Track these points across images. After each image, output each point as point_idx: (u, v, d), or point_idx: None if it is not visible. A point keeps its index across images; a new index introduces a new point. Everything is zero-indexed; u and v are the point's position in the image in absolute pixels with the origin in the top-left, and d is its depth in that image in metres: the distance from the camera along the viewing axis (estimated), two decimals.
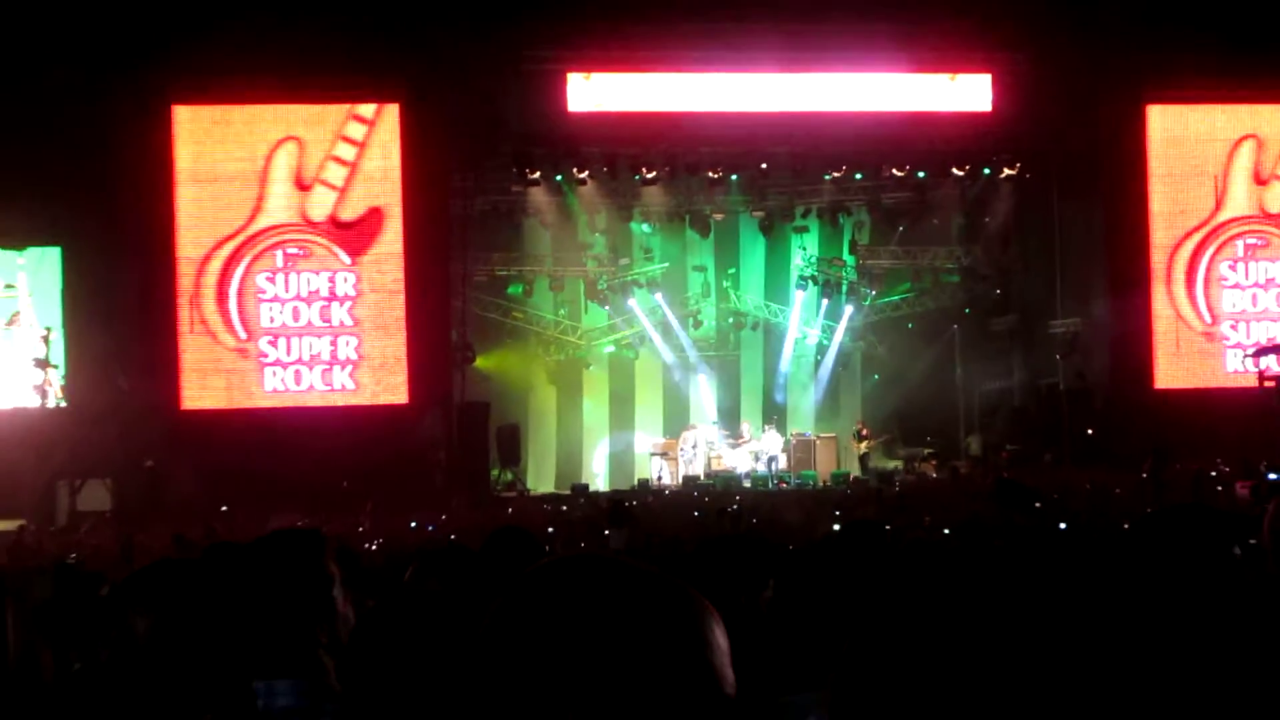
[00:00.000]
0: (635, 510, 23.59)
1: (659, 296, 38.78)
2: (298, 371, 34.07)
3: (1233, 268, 36.33)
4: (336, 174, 34.18)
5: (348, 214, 34.24)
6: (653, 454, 37.32)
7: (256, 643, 4.06)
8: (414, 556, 6.11)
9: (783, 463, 36.54)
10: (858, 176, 36.57)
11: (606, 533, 21.08)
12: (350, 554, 4.32)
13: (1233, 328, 35.99)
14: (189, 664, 5.24)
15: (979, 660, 2.07)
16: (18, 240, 33.60)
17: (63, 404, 33.16)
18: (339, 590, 4.09)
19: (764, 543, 7.16)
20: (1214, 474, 28.26)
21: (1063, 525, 20.78)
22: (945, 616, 2.20)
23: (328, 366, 34.13)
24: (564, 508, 30.15)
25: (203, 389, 33.72)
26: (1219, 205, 36.28)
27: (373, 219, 34.30)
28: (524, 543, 5.94)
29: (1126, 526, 16.68)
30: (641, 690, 1.93)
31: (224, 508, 28.98)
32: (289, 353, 34.04)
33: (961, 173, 36.28)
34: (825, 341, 40.03)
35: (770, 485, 34.55)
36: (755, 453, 36.77)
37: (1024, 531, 18.86)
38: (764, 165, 35.71)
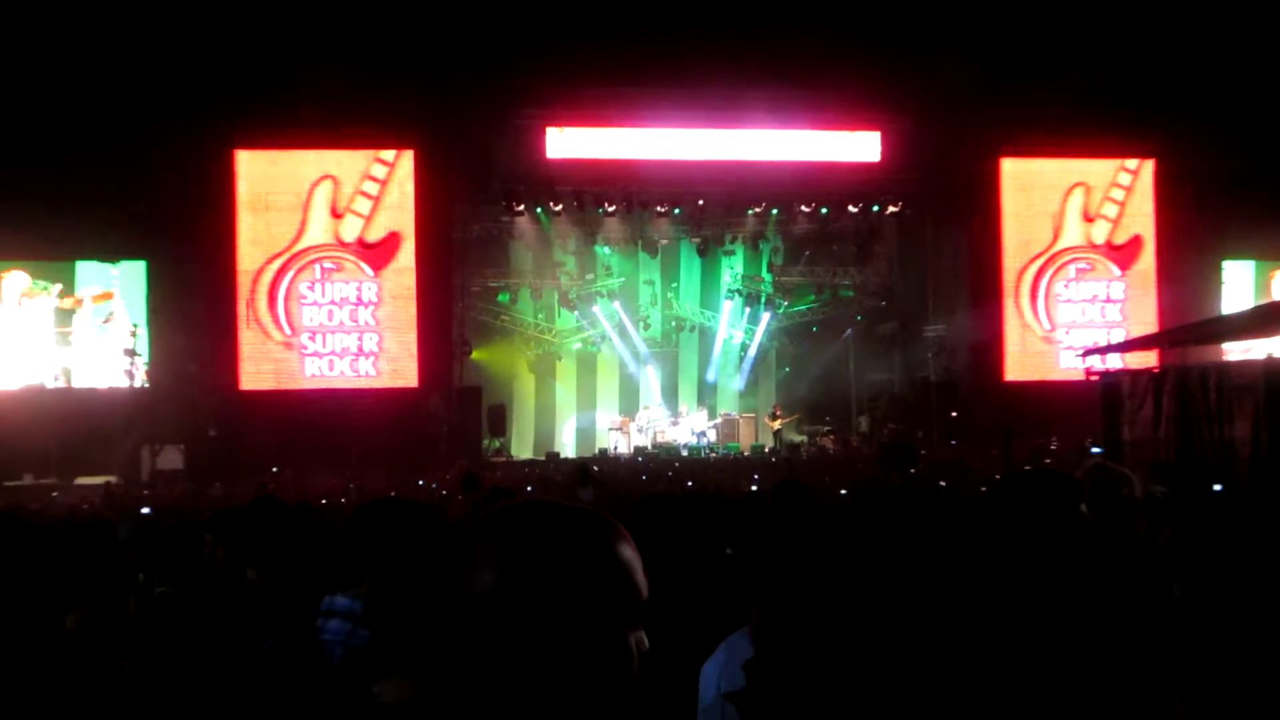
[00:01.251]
0: (598, 473, 23.66)
1: (617, 304, 38.86)
2: (331, 361, 34.16)
3: (1066, 286, 36.67)
4: (363, 205, 34.30)
5: (372, 237, 34.38)
6: (610, 429, 37.51)
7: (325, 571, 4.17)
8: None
9: (713, 436, 36.72)
10: (774, 212, 36.61)
11: (580, 491, 21.21)
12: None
13: (1066, 333, 36.31)
14: (256, 586, 5.49)
15: (877, 590, 2.32)
16: (113, 255, 33.83)
17: (146, 385, 33.17)
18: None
19: (701, 498, 7.42)
20: (1050, 448, 28.49)
21: (943, 483, 21.04)
22: (848, 557, 2.47)
23: (355, 357, 34.22)
24: (541, 471, 30.17)
25: (256, 374, 33.79)
26: (1056, 237, 36.62)
27: (391, 241, 34.43)
28: (504, 496, 6.12)
29: (984, 489, 16.98)
30: (571, 588, 2.09)
31: (274, 469, 29.02)
32: (324, 346, 34.14)
33: (855, 209, 36.35)
34: (748, 341, 40.08)
35: (703, 454, 34.64)
36: (691, 429, 36.93)
37: (905, 491, 19.03)
38: (700, 202, 35.80)
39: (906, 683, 2.28)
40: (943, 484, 20.82)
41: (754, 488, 19.33)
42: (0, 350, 33.68)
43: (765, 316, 39.64)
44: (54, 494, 26.33)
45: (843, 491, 16.39)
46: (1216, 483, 17.08)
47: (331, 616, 3.93)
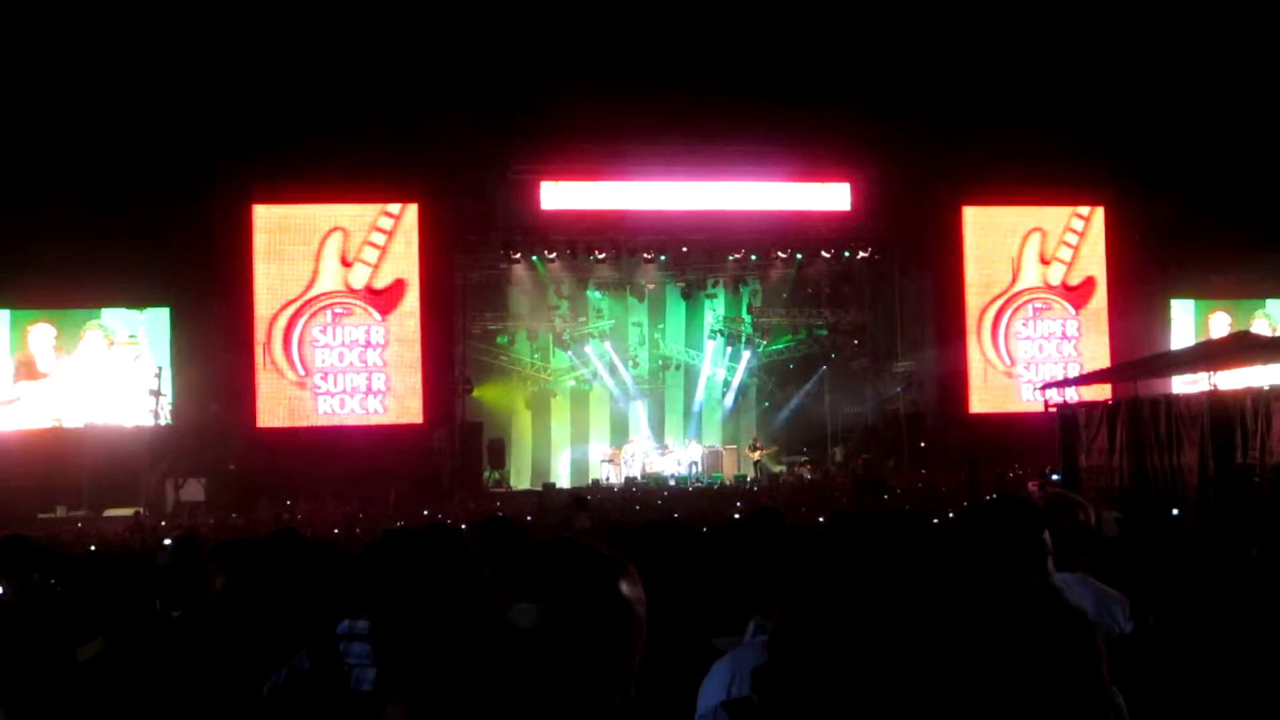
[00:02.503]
0: (591, 502, 23.62)
1: (607, 345, 38.74)
2: (342, 399, 34.17)
3: (1025, 324, 36.79)
4: (371, 254, 34.37)
5: (379, 284, 34.44)
6: (603, 460, 37.36)
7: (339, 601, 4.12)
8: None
9: (698, 467, 36.65)
10: (753, 258, 36.69)
11: (577, 518, 21.10)
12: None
13: (1025, 368, 36.42)
14: (264, 613, 5.43)
15: (896, 600, 2.30)
16: (139, 302, 33.86)
17: (170, 422, 33.13)
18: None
19: (682, 527, 7.42)
20: (1012, 476, 28.45)
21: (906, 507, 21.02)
22: (848, 584, 2.45)
23: (364, 396, 34.24)
24: (538, 500, 30.13)
25: (272, 412, 33.79)
26: (1015, 279, 36.74)
27: (397, 287, 34.48)
28: (505, 525, 6.09)
29: (951, 514, 16.94)
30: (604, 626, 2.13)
31: (288, 500, 28.99)
32: (336, 385, 34.16)
33: (829, 255, 36.47)
34: (729, 378, 39.99)
35: (689, 484, 34.57)
36: (678, 460, 36.86)
37: (877, 517, 19.02)
38: (685, 249, 35.89)
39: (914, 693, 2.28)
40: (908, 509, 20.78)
41: (735, 515, 19.29)
42: (39, 394, 33.67)
43: (746, 355, 39.54)
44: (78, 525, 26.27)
45: (821, 519, 16.38)
46: (1168, 506, 17.11)
47: (354, 640, 3.87)
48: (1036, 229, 37.01)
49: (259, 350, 33.79)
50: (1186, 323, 38.30)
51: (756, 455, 36.87)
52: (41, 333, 33.83)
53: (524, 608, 2.11)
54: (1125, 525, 6.83)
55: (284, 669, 3.94)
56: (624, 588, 2.19)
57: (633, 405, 39.36)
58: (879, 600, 2.33)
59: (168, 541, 14.63)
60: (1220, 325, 37.95)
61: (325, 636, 3.98)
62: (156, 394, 32.51)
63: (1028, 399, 33.38)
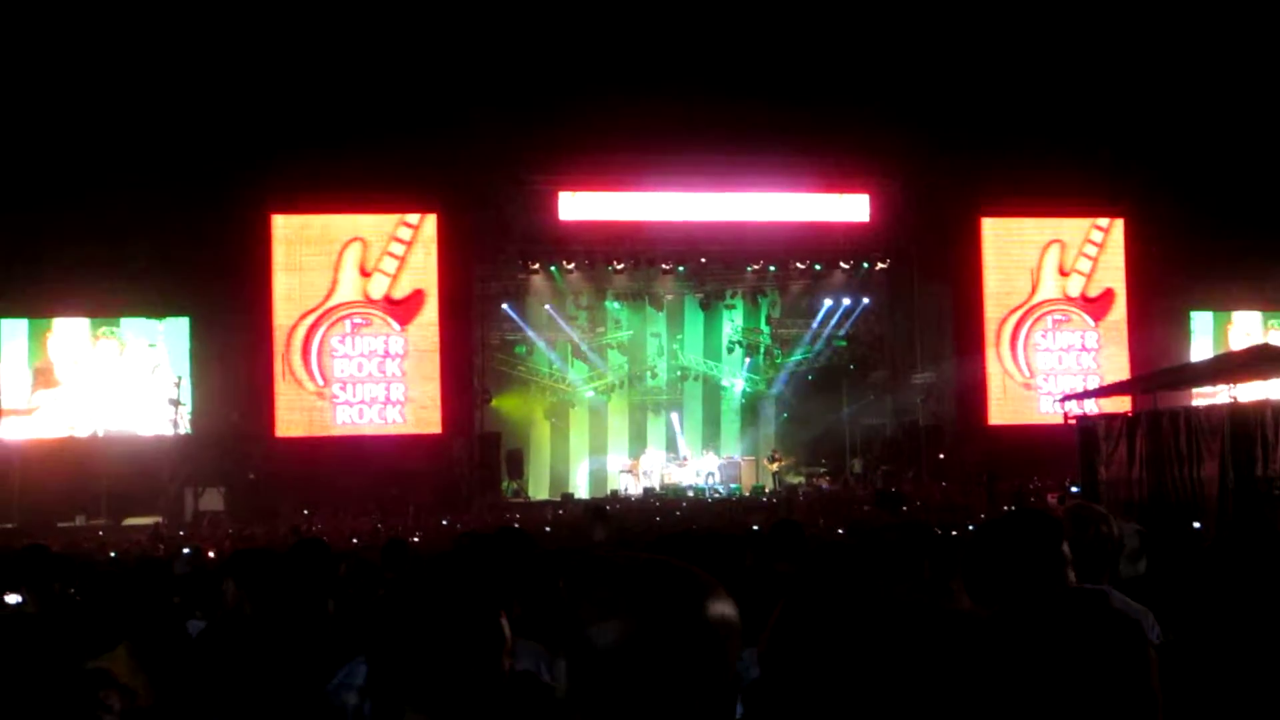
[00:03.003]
0: (609, 513, 23.57)
1: (626, 355, 38.90)
2: (361, 409, 34.23)
3: (1044, 336, 36.74)
4: (390, 265, 34.44)
5: (398, 294, 34.50)
6: (621, 471, 37.23)
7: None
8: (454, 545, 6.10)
9: (716, 478, 36.53)
10: (772, 269, 36.67)
11: (596, 529, 21.05)
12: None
13: (1045, 380, 36.36)
14: (281, 623, 5.41)
15: (874, 620, 2.26)
16: (158, 312, 33.97)
17: (189, 432, 33.23)
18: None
19: (693, 537, 7.39)
20: (1031, 487, 28.40)
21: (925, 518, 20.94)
22: (847, 591, 2.41)
23: (383, 406, 34.30)
24: (557, 510, 30.11)
25: (291, 421, 33.82)
26: (1034, 291, 36.71)
27: (416, 298, 34.54)
28: (519, 536, 6.07)
29: (970, 526, 16.89)
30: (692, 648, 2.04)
31: (305, 510, 29.04)
32: (354, 395, 34.22)
33: (847, 266, 36.45)
34: (748, 389, 40.07)
35: (707, 495, 34.49)
36: (696, 471, 36.76)
37: (898, 526, 18.94)
38: (703, 260, 35.88)
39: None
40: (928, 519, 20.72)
41: (755, 527, 19.26)
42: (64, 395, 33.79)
43: (764, 366, 39.55)
44: (99, 534, 26.34)
45: (840, 531, 16.36)
46: (1188, 519, 17.04)
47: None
48: (1056, 240, 36.97)
49: (278, 360, 33.84)
50: (1206, 335, 38.18)
51: (775, 466, 36.77)
52: (59, 341, 33.91)
53: (604, 627, 2.05)
54: (1145, 538, 6.78)
55: (353, 665, 3.91)
56: (713, 608, 2.10)
57: (651, 416, 39.33)
58: (868, 613, 2.28)
59: (186, 550, 14.70)
60: (1240, 337, 37.82)
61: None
62: (176, 403, 32.62)
63: (1046, 411, 33.27)
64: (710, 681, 2.05)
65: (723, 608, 2.11)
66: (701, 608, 2.08)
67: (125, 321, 34.16)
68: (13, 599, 6.53)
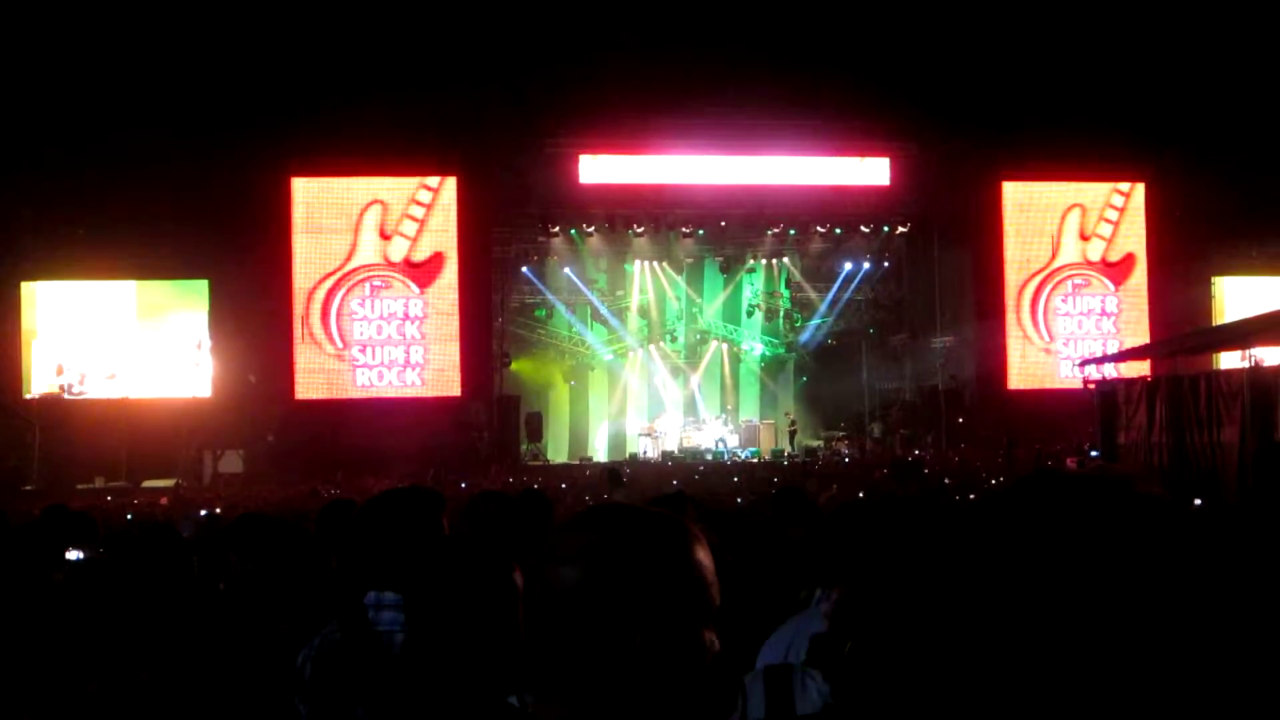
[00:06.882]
0: (627, 475, 23.54)
1: (645, 319, 38.91)
2: (380, 372, 34.26)
3: (1064, 301, 36.61)
4: (410, 227, 34.40)
5: (418, 257, 34.47)
6: (640, 434, 37.33)
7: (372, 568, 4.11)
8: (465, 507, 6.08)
9: (735, 441, 36.55)
10: (792, 232, 36.56)
11: (606, 495, 21.07)
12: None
13: (1064, 345, 36.23)
14: (287, 589, 5.41)
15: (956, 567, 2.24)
16: (177, 274, 33.98)
17: (208, 394, 33.34)
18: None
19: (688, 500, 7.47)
20: (1050, 452, 28.36)
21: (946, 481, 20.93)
22: (913, 563, 2.39)
23: (402, 368, 34.31)
24: (576, 474, 30.13)
25: (310, 384, 33.89)
26: (1054, 255, 36.56)
27: (436, 261, 34.51)
28: (539, 499, 6.06)
29: (988, 490, 16.85)
30: (650, 587, 2.01)
31: (327, 472, 29.10)
32: (374, 358, 34.24)
33: (867, 230, 36.38)
34: (767, 353, 40.09)
35: (725, 458, 34.51)
36: (714, 434, 36.80)
37: (920, 497, 18.92)
38: (723, 223, 35.82)
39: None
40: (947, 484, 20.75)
41: (772, 490, 19.24)
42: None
43: (784, 329, 39.54)
44: (108, 497, 26.40)
45: (860, 494, 16.32)
46: (1208, 484, 17.02)
47: (382, 610, 3.91)
48: (1076, 205, 36.80)
49: (297, 323, 33.87)
50: (1227, 299, 38.01)
51: (794, 430, 36.81)
52: (76, 303, 33.95)
53: (563, 570, 2.03)
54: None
55: (315, 639, 3.95)
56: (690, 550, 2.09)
57: (670, 379, 39.37)
58: (943, 582, 2.26)
59: (203, 512, 14.73)
60: (1261, 301, 37.66)
61: (353, 607, 3.97)
62: (195, 366, 32.70)
63: (1066, 376, 33.18)
64: (679, 629, 2.02)
65: (695, 552, 2.09)
66: (671, 549, 2.07)
67: (144, 284, 34.19)
68: (73, 555, 6.69)
